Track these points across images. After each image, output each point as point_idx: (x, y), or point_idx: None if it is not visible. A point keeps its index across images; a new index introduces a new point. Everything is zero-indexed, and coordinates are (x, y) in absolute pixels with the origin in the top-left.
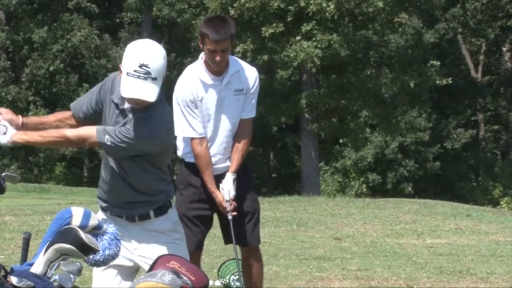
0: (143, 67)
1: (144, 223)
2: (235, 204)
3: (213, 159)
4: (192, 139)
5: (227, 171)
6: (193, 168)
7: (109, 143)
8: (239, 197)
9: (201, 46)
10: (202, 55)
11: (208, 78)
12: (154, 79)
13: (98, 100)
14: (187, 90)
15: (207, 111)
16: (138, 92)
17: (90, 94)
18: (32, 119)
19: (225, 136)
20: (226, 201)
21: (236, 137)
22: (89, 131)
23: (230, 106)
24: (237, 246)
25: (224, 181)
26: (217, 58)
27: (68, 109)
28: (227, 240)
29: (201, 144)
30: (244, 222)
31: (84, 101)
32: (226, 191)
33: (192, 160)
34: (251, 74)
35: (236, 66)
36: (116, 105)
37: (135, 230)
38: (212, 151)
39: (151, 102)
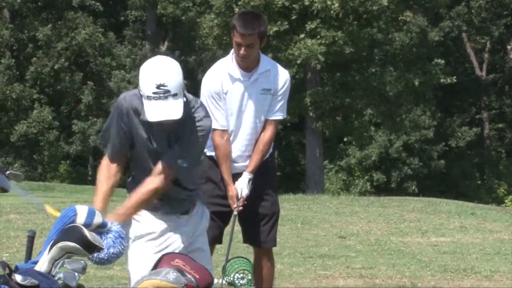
0: (161, 87)
1: (191, 215)
2: (244, 203)
3: (233, 156)
4: (214, 130)
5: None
6: (214, 162)
7: (185, 165)
8: (259, 197)
9: (232, 38)
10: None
11: (236, 72)
12: (175, 95)
13: (126, 132)
14: (213, 81)
15: (231, 104)
16: (163, 114)
17: (115, 134)
18: (101, 201)
19: (247, 134)
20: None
21: (258, 136)
22: (163, 171)
23: (255, 104)
24: (247, 246)
25: (240, 179)
26: (242, 51)
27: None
28: (247, 238)
29: (222, 136)
30: (262, 223)
31: (117, 145)
32: (239, 189)
33: (213, 153)
34: (282, 76)
35: (267, 65)
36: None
37: (189, 223)
38: (233, 147)
39: (178, 119)
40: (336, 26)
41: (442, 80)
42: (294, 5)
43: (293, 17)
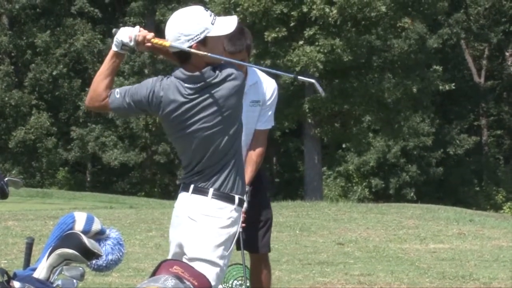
0: (212, 16)
1: None
2: (245, 216)
3: None
4: None
5: None
6: None
7: None
8: (252, 204)
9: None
10: None
11: None
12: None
13: None
14: None
15: None
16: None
17: None
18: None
19: None
20: None
21: (250, 148)
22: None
23: (246, 117)
24: (246, 253)
25: None
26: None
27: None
28: (238, 246)
29: None
30: (255, 229)
31: None
32: None
33: None
34: (269, 86)
35: (254, 77)
36: None
37: None
38: None
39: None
40: (335, 33)
41: (440, 87)
42: (292, 12)
43: (292, 24)
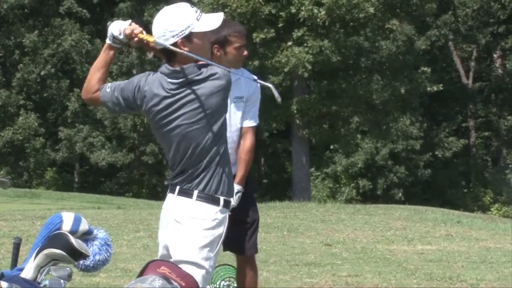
0: (197, 12)
1: None
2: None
3: None
4: None
5: None
6: None
7: None
8: (238, 205)
9: (218, 54)
10: None
11: None
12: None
13: None
14: None
15: None
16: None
17: None
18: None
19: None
20: None
21: (238, 146)
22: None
23: (229, 112)
24: (233, 254)
25: None
26: (245, 52)
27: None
28: (226, 246)
29: None
30: (242, 230)
31: None
32: None
33: None
34: (252, 83)
35: (237, 73)
36: None
37: None
38: None
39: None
40: (323, 34)
41: (428, 88)
42: (280, 13)
43: (280, 25)
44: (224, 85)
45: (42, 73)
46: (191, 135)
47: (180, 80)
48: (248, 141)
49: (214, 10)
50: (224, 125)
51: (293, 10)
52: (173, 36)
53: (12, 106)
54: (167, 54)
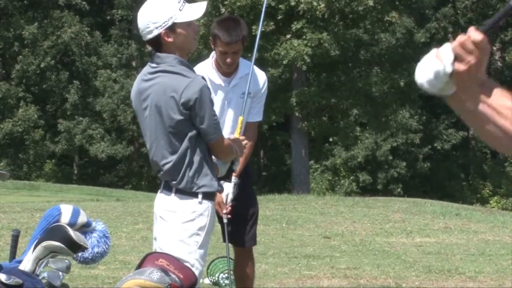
0: (180, 2)
1: None
2: (230, 209)
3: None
4: None
5: None
6: None
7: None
8: (238, 198)
9: (212, 46)
10: (213, 54)
11: (217, 78)
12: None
13: None
14: None
15: None
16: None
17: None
18: None
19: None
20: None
21: None
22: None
23: (235, 108)
24: (230, 246)
25: (225, 183)
26: (228, 60)
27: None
28: (224, 239)
29: None
30: (242, 223)
31: None
32: (225, 194)
33: None
34: (260, 78)
35: (246, 69)
36: None
37: None
38: None
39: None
40: (322, 27)
41: None
42: (280, 6)
43: (279, 17)
44: (197, 90)
45: (41, 65)
46: (160, 125)
47: (156, 66)
48: (250, 136)
49: (213, 2)
50: (200, 119)
51: (293, 3)
52: (157, 28)
53: (11, 98)
54: (155, 45)
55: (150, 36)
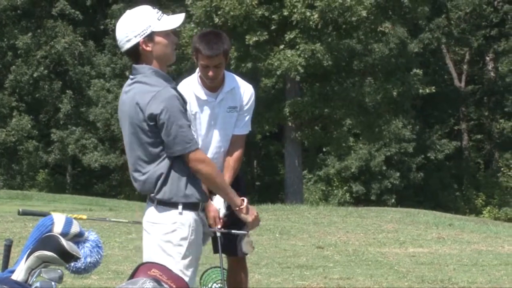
0: (158, 13)
1: None
2: (222, 220)
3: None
4: None
5: None
6: None
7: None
8: (230, 208)
9: (195, 61)
10: (198, 70)
11: (202, 94)
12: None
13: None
14: None
15: (199, 125)
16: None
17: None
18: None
19: (215, 152)
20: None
21: (227, 153)
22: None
23: (223, 123)
24: (223, 255)
25: (215, 198)
26: (210, 73)
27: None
28: (216, 249)
29: None
30: (232, 233)
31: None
32: (217, 209)
33: None
34: (247, 92)
35: (232, 83)
36: None
37: None
38: None
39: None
40: (315, 37)
41: (420, 91)
42: (273, 16)
43: (273, 27)
44: (164, 105)
45: (34, 74)
46: (135, 139)
47: (132, 77)
48: (237, 148)
49: (207, 12)
50: (166, 131)
51: (286, 13)
52: (135, 36)
53: (4, 108)
54: (133, 55)
55: (128, 45)
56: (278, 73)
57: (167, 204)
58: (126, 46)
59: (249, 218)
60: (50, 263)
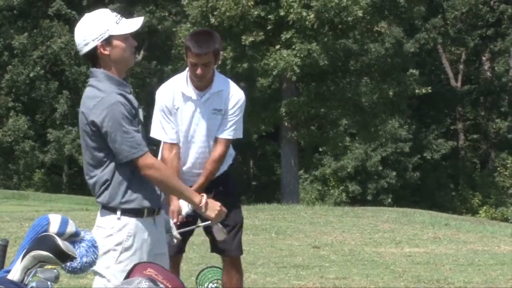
0: (117, 16)
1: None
2: (184, 221)
3: (183, 172)
4: (163, 143)
5: None
6: None
7: None
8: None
9: (186, 59)
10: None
11: (189, 91)
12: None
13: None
14: (166, 96)
15: (181, 121)
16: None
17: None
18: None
19: (197, 152)
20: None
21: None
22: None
23: (206, 123)
24: (219, 256)
25: (181, 201)
26: (198, 71)
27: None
28: (213, 248)
29: (170, 150)
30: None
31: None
32: (181, 206)
33: None
34: (235, 96)
35: (221, 85)
36: None
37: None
38: (183, 163)
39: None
40: (311, 36)
41: (416, 91)
42: (269, 16)
43: (269, 27)
44: (110, 113)
45: (31, 74)
46: (84, 143)
47: (88, 80)
48: (217, 152)
49: (203, 13)
50: (111, 138)
51: (282, 13)
52: (93, 40)
53: (1, 108)
54: (92, 59)
55: (86, 48)
56: (274, 73)
57: (108, 208)
58: (84, 49)
59: (212, 214)
60: (46, 262)
